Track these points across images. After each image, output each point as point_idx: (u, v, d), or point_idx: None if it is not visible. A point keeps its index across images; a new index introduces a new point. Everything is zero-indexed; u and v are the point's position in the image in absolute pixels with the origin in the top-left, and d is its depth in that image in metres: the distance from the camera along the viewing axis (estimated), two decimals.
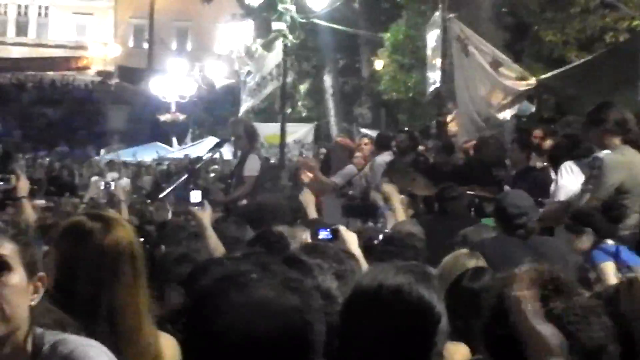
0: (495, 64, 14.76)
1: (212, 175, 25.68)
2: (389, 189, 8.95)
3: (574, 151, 9.36)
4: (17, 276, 2.88)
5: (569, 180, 8.93)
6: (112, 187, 9.41)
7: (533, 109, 16.74)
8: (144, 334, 3.70)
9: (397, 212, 8.58)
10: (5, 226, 6.09)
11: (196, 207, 6.81)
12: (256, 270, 2.38)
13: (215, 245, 6.45)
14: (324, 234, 6.14)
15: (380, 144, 14.32)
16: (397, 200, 8.77)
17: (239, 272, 2.38)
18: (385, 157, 13.61)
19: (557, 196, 8.94)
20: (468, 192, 10.15)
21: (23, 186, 7.30)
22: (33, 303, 2.94)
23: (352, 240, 5.93)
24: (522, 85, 14.62)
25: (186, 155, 36.02)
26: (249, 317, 2.27)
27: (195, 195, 6.91)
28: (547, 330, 2.87)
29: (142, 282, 3.78)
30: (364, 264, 5.60)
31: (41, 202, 15.62)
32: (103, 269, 3.69)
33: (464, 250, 5.69)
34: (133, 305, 3.70)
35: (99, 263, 3.70)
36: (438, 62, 17.16)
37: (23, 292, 2.90)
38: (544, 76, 14.99)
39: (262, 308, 2.29)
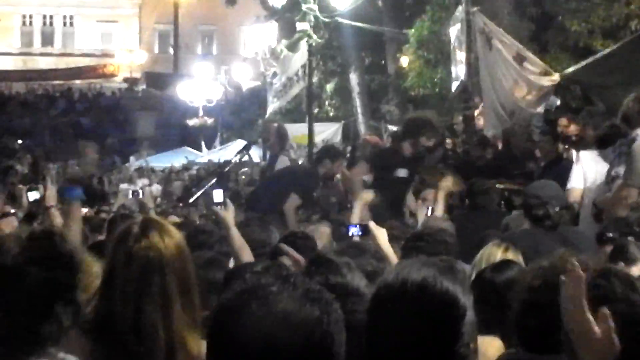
0: (519, 58, 14.71)
1: (242, 177, 25.73)
2: (447, 183, 8.88)
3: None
4: None
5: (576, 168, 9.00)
6: (141, 195, 9.44)
7: (558, 102, 16.64)
8: (187, 352, 3.38)
9: (438, 207, 8.54)
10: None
11: (219, 207, 6.58)
12: (277, 283, 2.39)
13: (240, 246, 6.25)
14: (354, 230, 6.15)
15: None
16: (443, 195, 8.72)
17: (260, 285, 2.39)
18: None
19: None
20: (497, 185, 10.11)
21: (51, 195, 7.37)
22: None
23: (382, 235, 5.94)
24: (546, 81, 14.55)
25: (210, 161, 36.03)
26: (270, 330, 2.29)
27: (218, 195, 6.63)
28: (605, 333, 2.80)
29: (174, 298, 3.42)
30: (394, 259, 5.60)
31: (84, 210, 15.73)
32: (129, 279, 3.39)
33: (498, 243, 5.66)
34: (166, 323, 3.37)
35: (126, 272, 3.40)
36: (461, 56, 17.10)
37: None
38: (567, 70, 14.90)
39: (283, 320, 2.31)
